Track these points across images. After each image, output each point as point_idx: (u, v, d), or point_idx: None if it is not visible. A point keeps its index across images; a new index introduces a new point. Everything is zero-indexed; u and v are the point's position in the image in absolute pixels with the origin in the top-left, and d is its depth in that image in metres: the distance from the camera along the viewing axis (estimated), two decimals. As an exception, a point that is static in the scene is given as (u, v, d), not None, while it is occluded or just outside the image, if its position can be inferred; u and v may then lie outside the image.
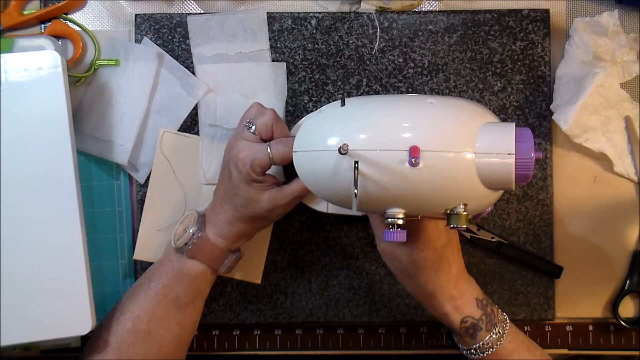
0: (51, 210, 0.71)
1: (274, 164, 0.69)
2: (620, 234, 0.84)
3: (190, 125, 0.82)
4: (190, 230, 0.73)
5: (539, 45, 0.83)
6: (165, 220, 0.81)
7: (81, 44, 0.81)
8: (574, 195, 0.84)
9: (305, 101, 0.83)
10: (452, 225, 0.64)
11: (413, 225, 0.68)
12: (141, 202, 0.82)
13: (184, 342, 0.75)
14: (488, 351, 0.70)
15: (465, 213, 0.64)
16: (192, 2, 0.85)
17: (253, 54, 0.82)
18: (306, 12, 0.83)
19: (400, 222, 0.65)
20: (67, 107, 0.72)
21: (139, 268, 0.82)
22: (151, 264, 0.78)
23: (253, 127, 0.71)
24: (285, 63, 0.82)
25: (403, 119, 0.64)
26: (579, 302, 0.84)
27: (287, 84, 0.82)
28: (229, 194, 0.72)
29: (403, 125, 0.64)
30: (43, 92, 0.72)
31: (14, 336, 0.69)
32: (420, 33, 0.83)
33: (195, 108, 0.82)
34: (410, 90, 0.83)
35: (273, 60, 0.83)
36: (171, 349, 0.73)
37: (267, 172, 0.71)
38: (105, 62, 0.82)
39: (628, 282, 0.83)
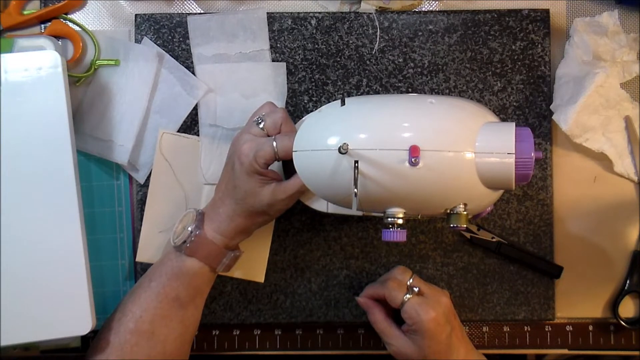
0: (51, 210, 0.71)
1: (278, 159, 0.69)
2: (620, 234, 0.84)
3: (190, 125, 0.82)
4: (189, 228, 0.73)
5: (539, 45, 0.83)
6: (167, 221, 0.81)
7: (81, 44, 0.81)
8: (574, 195, 0.84)
9: (305, 101, 0.83)
10: (452, 225, 0.64)
11: (417, 327, 0.72)
12: (141, 202, 0.82)
13: (186, 340, 0.75)
14: None
15: (465, 213, 0.64)
16: (192, 2, 0.85)
17: (253, 54, 0.82)
18: (306, 12, 0.83)
19: (400, 221, 0.65)
20: (67, 107, 0.72)
21: (139, 268, 0.82)
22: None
23: (262, 124, 0.71)
24: (285, 63, 0.82)
25: (403, 119, 0.64)
26: (579, 302, 0.84)
27: (287, 84, 0.82)
28: (230, 187, 0.72)
29: (403, 124, 0.64)
30: (43, 92, 0.72)
31: (14, 336, 0.69)
32: (420, 33, 0.83)
33: (195, 108, 0.82)
34: (410, 90, 0.83)
35: (273, 60, 0.83)
36: (175, 348, 0.73)
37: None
38: (105, 62, 0.82)
39: (628, 282, 0.83)
